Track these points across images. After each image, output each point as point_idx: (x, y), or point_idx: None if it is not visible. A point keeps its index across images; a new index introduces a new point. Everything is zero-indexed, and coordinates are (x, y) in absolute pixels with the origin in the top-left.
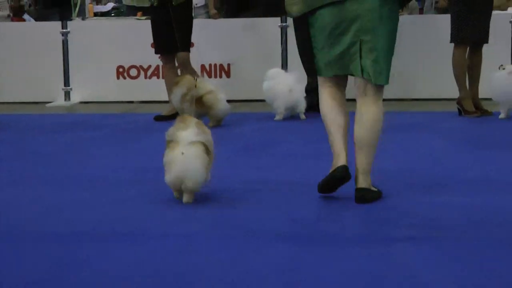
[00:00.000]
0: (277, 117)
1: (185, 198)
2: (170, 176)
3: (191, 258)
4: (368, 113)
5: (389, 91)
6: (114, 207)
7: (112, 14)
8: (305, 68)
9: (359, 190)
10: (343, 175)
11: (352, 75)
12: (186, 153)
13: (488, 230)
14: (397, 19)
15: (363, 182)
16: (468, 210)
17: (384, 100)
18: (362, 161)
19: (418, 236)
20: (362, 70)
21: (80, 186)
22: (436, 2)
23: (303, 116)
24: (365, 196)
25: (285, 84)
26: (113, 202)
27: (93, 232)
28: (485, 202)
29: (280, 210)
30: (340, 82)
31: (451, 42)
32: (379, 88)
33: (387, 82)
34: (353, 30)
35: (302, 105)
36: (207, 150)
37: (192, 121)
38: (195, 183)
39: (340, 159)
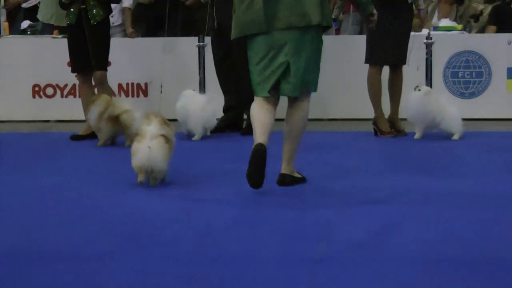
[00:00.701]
0: (196, 137)
1: (151, 183)
2: (136, 163)
3: None
4: (294, 115)
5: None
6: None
7: (28, 32)
8: (221, 88)
9: (281, 175)
10: (257, 148)
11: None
12: (151, 145)
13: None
14: (319, 42)
15: (285, 168)
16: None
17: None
18: (286, 151)
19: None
20: (287, 89)
21: None
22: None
23: (209, 133)
24: (285, 180)
25: (197, 104)
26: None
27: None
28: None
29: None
30: (272, 99)
31: (365, 62)
32: (305, 96)
33: (315, 89)
34: (283, 53)
35: (212, 125)
36: (168, 141)
37: (155, 117)
38: (160, 171)
39: (257, 140)
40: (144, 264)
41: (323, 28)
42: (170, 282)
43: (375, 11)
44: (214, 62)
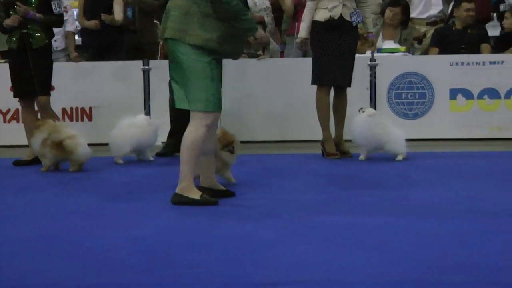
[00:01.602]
0: (118, 161)
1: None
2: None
3: None
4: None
5: (258, 134)
6: None
7: None
8: (170, 111)
9: (174, 194)
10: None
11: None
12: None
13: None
14: (189, 61)
15: (178, 188)
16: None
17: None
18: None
19: None
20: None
21: None
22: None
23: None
24: (173, 199)
25: (131, 125)
26: None
27: None
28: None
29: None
30: None
31: (312, 83)
32: (195, 114)
33: (193, 107)
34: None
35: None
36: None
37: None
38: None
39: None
40: None
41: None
42: None
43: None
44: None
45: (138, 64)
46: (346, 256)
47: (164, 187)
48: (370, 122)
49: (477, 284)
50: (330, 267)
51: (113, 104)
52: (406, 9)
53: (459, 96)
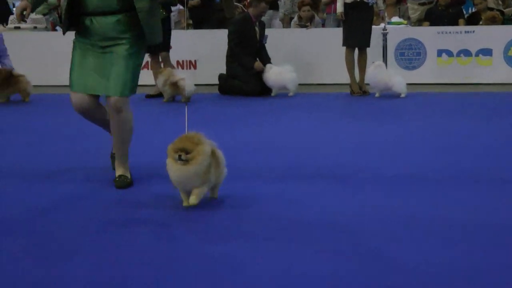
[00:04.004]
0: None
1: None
2: None
3: None
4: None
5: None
6: None
7: None
8: None
9: (118, 176)
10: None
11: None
12: None
13: None
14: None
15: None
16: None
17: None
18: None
19: None
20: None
21: None
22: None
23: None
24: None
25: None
26: None
27: None
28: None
29: None
30: None
31: (343, 45)
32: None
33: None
34: None
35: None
36: None
37: None
38: None
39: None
40: None
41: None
42: None
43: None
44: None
45: (224, 32)
46: None
47: None
48: (377, 71)
49: None
50: None
51: (209, 58)
52: None
53: (443, 54)
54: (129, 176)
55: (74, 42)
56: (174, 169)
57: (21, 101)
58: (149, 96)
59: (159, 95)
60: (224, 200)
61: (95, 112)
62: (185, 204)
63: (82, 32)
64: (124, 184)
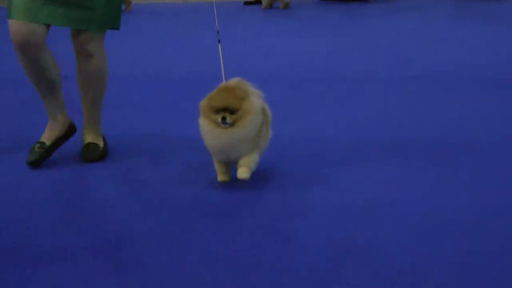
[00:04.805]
0: None
1: None
2: None
3: None
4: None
5: None
6: None
7: None
8: None
9: (86, 145)
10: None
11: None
12: None
13: None
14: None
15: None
16: None
17: None
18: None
19: None
20: None
21: None
22: None
23: None
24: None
25: None
26: None
27: None
28: None
29: None
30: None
31: None
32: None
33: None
34: None
35: None
36: None
37: None
38: None
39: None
40: None
41: None
42: None
43: None
44: None
45: None
46: None
47: None
48: None
49: None
50: None
51: None
52: None
53: None
54: (101, 144)
55: None
56: (214, 134)
57: None
58: (247, 3)
59: (257, 1)
60: None
61: (43, 53)
62: (221, 178)
63: None
64: (94, 155)
